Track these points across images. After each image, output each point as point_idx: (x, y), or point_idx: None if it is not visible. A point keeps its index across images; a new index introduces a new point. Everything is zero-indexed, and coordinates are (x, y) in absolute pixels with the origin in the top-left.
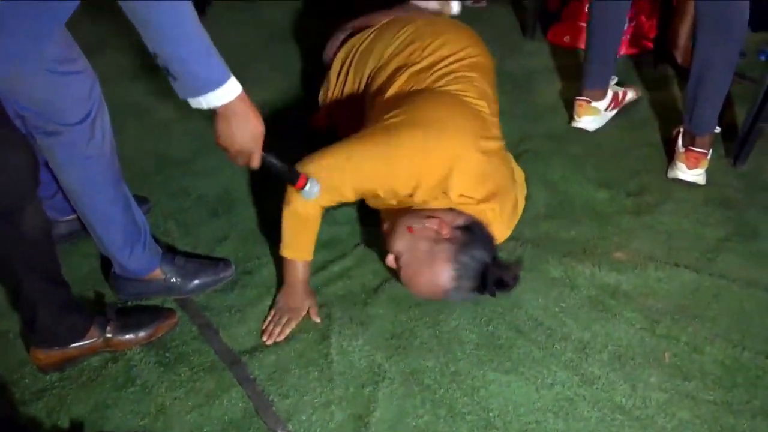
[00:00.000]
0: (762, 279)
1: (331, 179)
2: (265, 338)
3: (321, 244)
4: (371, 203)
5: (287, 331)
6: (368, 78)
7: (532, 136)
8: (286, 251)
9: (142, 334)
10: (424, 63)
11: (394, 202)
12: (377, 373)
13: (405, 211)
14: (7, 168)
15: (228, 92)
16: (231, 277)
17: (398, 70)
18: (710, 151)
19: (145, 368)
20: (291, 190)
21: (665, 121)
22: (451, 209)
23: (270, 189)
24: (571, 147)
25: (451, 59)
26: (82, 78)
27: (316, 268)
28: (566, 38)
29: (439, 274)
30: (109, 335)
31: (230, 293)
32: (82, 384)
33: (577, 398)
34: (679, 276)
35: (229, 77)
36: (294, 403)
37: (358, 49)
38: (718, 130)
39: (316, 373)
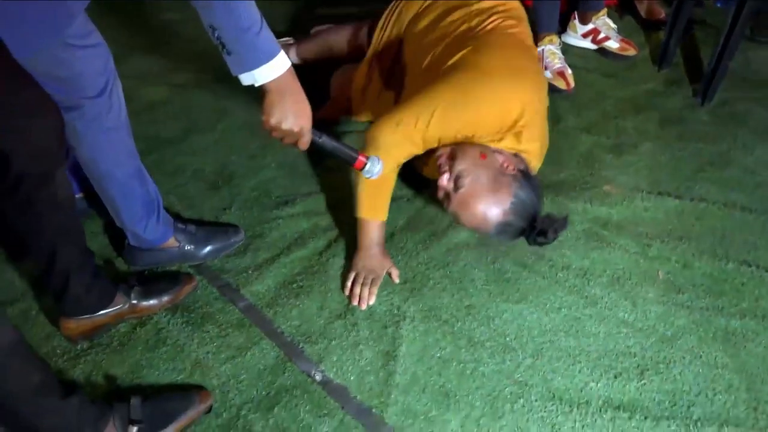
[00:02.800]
0: (738, 200)
1: (414, 131)
2: (355, 302)
3: (326, 206)
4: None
5: (375, 291)
6: (409, 23)
7: None
8: (363, 212)
9: (165, 298)
10: (477, 7)
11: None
12: (397, 314)
13: (468, 142)
14: (41, 131)
15: (280, 65)
16: (242, 241)
17: (448, 12)
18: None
19: (174, 329)
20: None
21: (633, 71)
22: (514, 155)
23: (269, 160)
24: (550, 97)
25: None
26: (99, 51)
27: (327, 227)
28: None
29: (499, 202)
30: (134, 301)
31: (244, 256)
32: (114, 349)
33: (584, 317)
34: (664, 203)
35: (280, 49)
36: (323, 348)
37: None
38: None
39: (339, 320)
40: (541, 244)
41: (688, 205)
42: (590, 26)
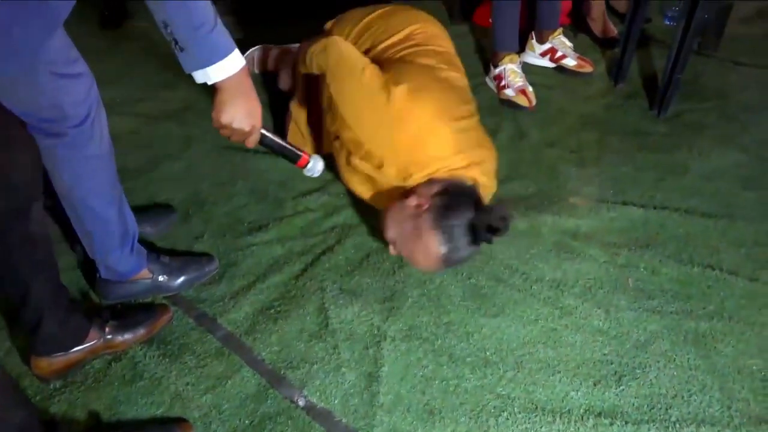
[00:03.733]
0: (698, 207)
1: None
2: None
3: (300, 230)
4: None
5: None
6: None
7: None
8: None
9: (141, 331)
10: (393, 39)
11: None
12: (377, 334)
13: (389, 204)
14: (17, 166)
15: (233, 64)
16: (216, 270)
17: (368, 51)
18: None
19: (151, 362)
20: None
21: (591, 86)
22: (429, 180)
23: (240, 187)
24: (513, 114)
25: (417, 33)
26: (83, 80)
27: (301, 251)
28: (491, 19)
29: (430, 243)
30: (109, 336)
31: (219, 285)
32: (89, 386)
33: (560, 328)
34: (629, 213)
35: (234, 48)
36: (306, 373)
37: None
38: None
39: (320, 344)
40: (499, 235)
41: (651, 213)
42: (547, 45)
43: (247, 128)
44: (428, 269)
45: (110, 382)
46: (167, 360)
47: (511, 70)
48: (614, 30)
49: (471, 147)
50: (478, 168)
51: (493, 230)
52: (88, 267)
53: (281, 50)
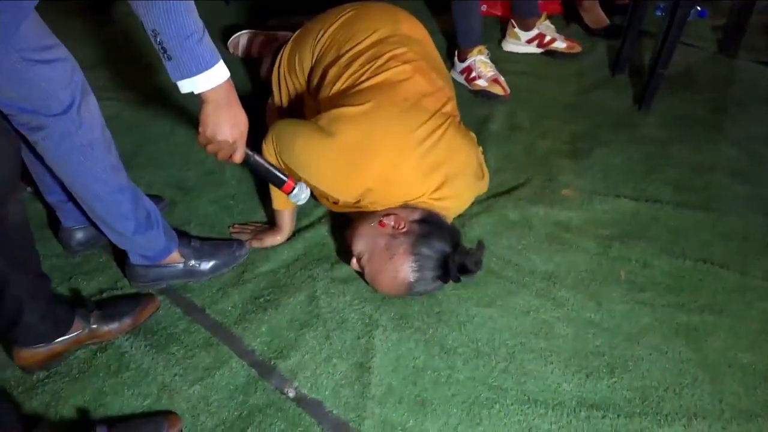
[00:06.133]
0: (689, 200)
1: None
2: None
3: None
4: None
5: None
6: (307, 78)
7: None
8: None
9: (127, 320)
10: (358, 48)
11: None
12: (369, 323)
13: (363, 215)
14: None
15: (219, 75)
16: (247, 256)
17: (329, 67)
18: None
19: (137, 353)
20: None
21: (582, 77)
22: (405, 205)
23: (228, 176)
24: (504, 105)
25: (388, 37)
26: (62, 65)
27: (291, 240)
28: (483, 7)
29: (400, 267)
30: (94, 326)
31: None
32: (74, 377)
33: (552, 320)
34: (620, 205)
35: (220, 59)
36: (296, 363)
37: (284, 57)
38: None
39: (311, 333)
40: (469, 276)
41: (643, 206)
42: (534, 32)
43: (231, 140)
44: (387, 293)
45: (95, 373)
46: (154, 350)
47: (480, 61)
48: (606, 20)
49: (440, 164)
50: (449, 187)
51: (466, 271)
52: (118, 251)
53: (267, 37)
